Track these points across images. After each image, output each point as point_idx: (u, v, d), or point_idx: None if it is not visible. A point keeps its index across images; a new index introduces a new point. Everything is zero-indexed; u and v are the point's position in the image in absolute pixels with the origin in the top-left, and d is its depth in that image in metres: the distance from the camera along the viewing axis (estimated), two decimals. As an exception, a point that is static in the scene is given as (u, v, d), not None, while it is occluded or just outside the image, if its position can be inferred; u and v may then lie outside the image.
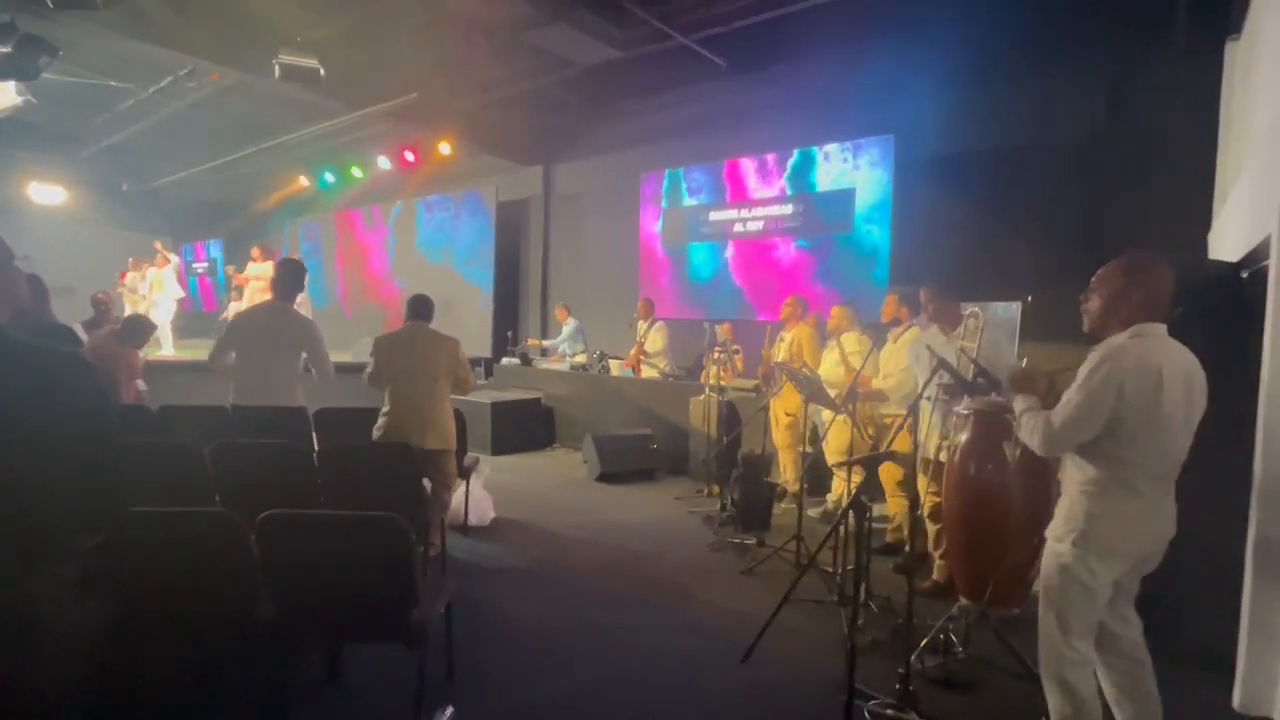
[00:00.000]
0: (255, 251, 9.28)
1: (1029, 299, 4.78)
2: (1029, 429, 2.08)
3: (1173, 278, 2.00)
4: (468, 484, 4.45)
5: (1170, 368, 1.93)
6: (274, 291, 4.00)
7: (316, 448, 3.67)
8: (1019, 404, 2.17)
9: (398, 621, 2.16)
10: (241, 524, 2.08)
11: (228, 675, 2.22)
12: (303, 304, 8.83)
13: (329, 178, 10.94)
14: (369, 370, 3.70)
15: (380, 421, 3.65)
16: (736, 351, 5.96)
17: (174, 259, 9.95)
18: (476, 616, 3.18)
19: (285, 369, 3.85)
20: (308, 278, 4.17)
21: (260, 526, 2.10)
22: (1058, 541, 2.05)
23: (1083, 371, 1.98)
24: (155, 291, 9.59)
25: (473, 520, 4.51)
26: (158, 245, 9.90)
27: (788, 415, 5.07)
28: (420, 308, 3.78)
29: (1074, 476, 2.06)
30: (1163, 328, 1.99)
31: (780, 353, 5.10)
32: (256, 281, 8.91)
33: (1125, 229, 4.90)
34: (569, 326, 8.21)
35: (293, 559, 2.16)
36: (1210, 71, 4.29)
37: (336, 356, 4.01)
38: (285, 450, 3.16)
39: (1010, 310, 5.01)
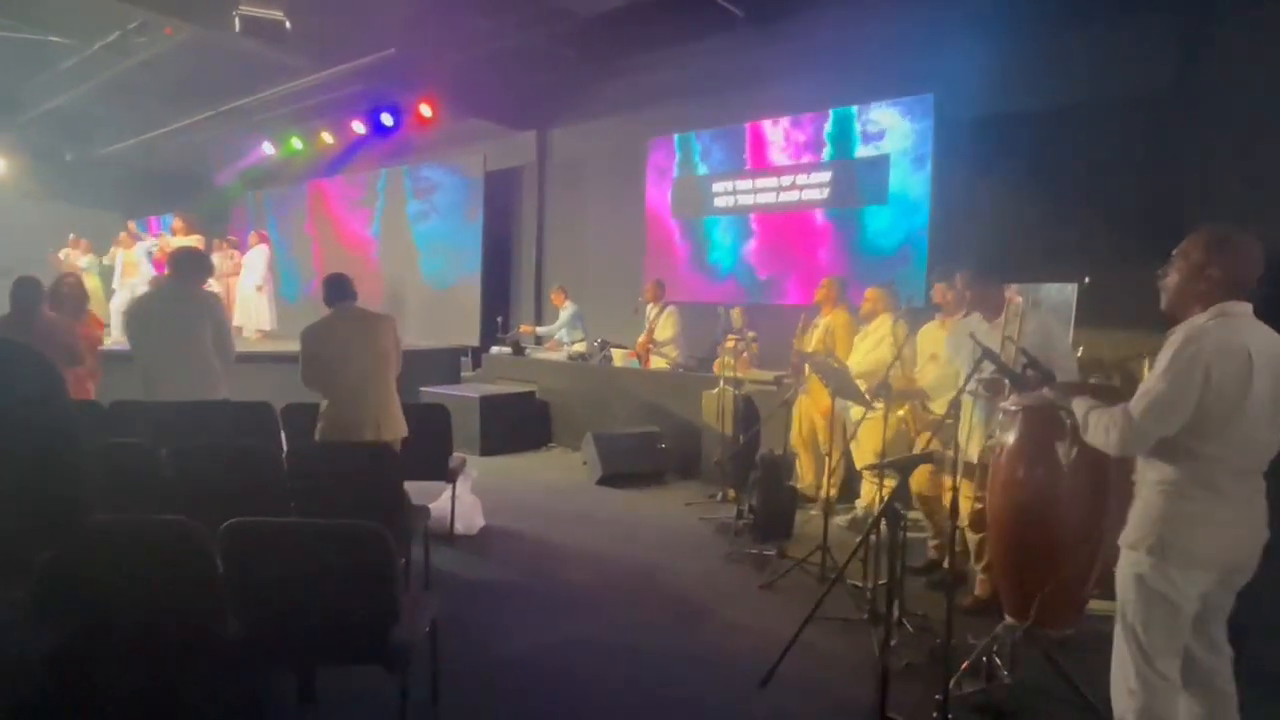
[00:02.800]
0: (177, 223, 9.32)
1: (1086, 280, 4.75)
2: (1100, 428, 2.05)
3: (1260, 254, 1.99)
4: (454, 488, 4.47)
5: (1259, 351, 1.93)
6: (172, 274, 4.11)
7: (285, 448, 3.70)
8: (1079, 407, 2.16)
9: (377, 641, 2.18)
10: (203, 533, 2.10)
11: (190, 700, 2.25)
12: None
13: (297, 144, 10.94)
14: (301, 369, 3.68)
15: (320, 421, 3.66)
16: (754, 339, 5.97)
17: (147, 239, 10.15)
18: (464, 635, 3.20)
19: (200, 355, 3.91)
20: (210, 273, 4.33)
21: (224, 536, 2.12)
22: (1132, 549, 2.03)
23: (1164, 356, 1.97)
24: (129, 276, 9.71)
25: (460, 528, 4.53)
26: (131, 225, 10.08)
27: (823, 418, 5.04)
28: (341, 288, 3.75)
29: (1148, 476, 2.05)
30: (1248, 307, 1.99)
31: (813, 341, 5.09)
32: None
33: (1194, 200, 4.86)
34: (567, 311, 8.22)
35: (261, 572, 2.19)
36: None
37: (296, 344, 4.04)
38: (251, 451, 3.19)
39: (1065, 292, 4.98)
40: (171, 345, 3.91)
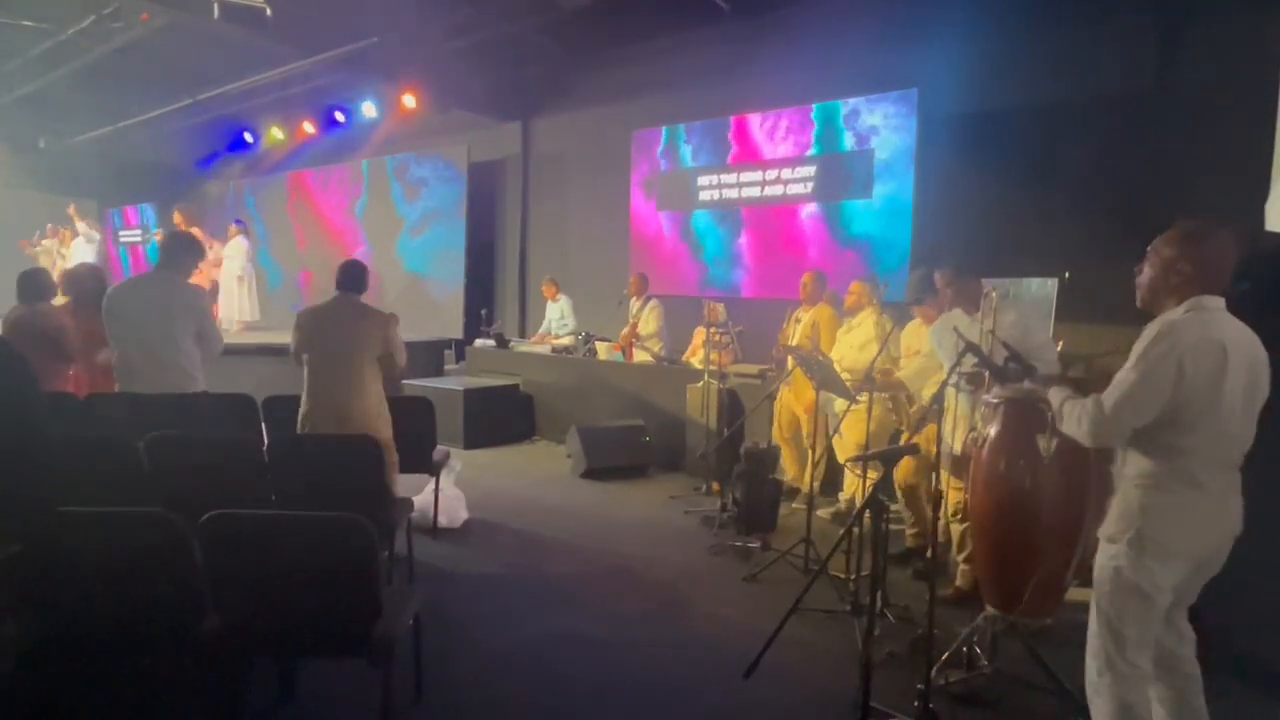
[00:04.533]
0: (177, 217, 9.24)
1: (1066, 275, 4.80)
2: (1073, 418, 2.09)
3: (1232, 248, 2.02)
4: (437, 481, 4.45)
5: (1233, 344, 1.96)
6: (163, 259, 4.00)
7: (266, 440, 3.66)
8: (1055, 396, 2.20)
9: (359, 635, 2.17)
10: (182, 526, 2.08)
11: (168, 696, 2.23)
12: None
13: (278, 134, 10.81)
14: (291, 349, 3.66)
15: (301, 409, 3.63)
16: (739, 332, 5.97)
17: (80, 226, 10.02)
18: (447, 629, 3.19)
19: (175, 348, 3.83)
20: (201, 258, 4.24)
21: (203, 529, 2.10)
22: (1111, 542, 2.07)
23: (1137, 348, 2.00)
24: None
25: (443, 522, 4.51)
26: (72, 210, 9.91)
27: (806, 413, 5.06)
28: (349, 277, 3.67)
29: (1127, 470, 2.09)
30: (1221, 301, 2.02)
31: (796, 335, 5.10)
32: None
33: (1173, 196, 4.92)
34: (565, 303, 8.17)
35: (240, 565, 2.16)
36: (1272, 19, 4.29)
37: (283, 337, 4.00)
38: (231, 443, 3.15)
39: (1046, 287, 5.03)
40: (144, 337, 3.81)
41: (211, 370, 4.08)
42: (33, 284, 4.40)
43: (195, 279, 4.21)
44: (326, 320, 3.63)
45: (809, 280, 5.20)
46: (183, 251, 4.04)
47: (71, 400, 3.87)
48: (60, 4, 7.38)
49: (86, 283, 4.67)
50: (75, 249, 9.95)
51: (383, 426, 3.66)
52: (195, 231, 9.03)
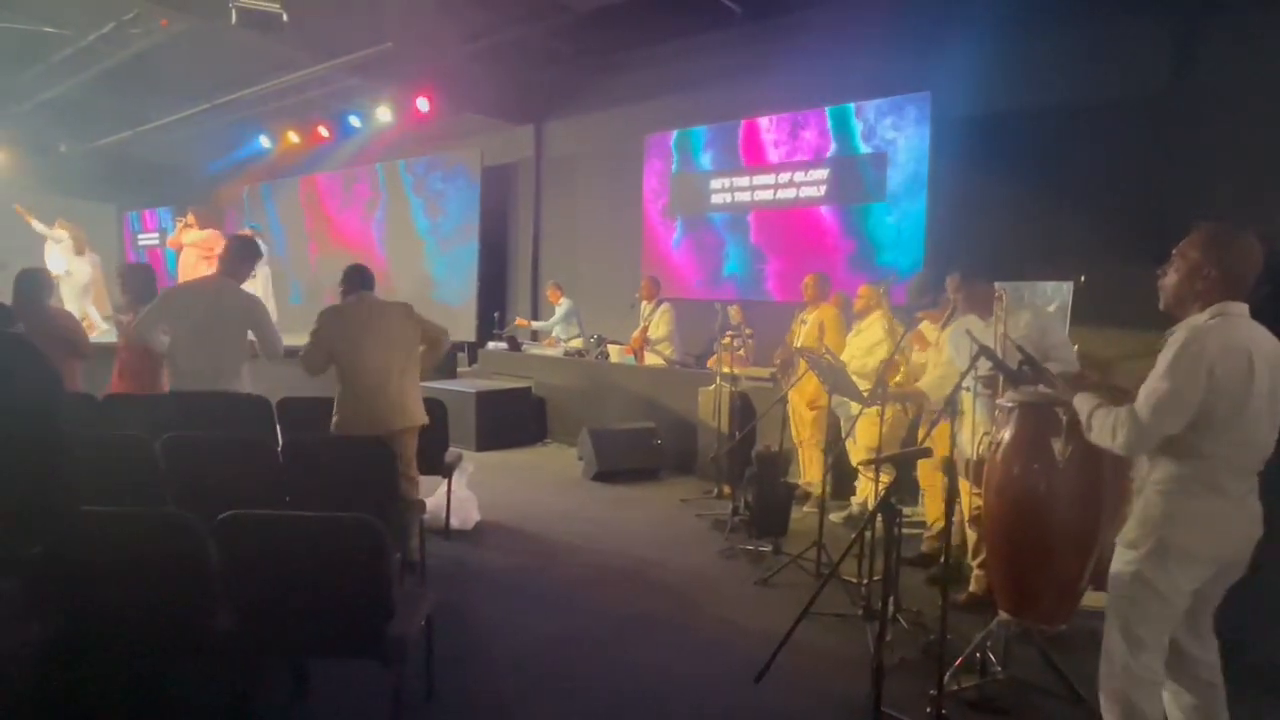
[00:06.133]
0: (190, 217, 9.34)
1: (1082, 279, 4.76)
2: (1106, 429, 2.05)
3: (1259, 253, 2.00)
4: (449, 483, 4.47)
5: (1258, 350, 1.94)
6: (221, 267, 4.09)
7: (280, 441, 3.69)
8: (1082, 404, 2.16)
9: (371, 635, 2.18)
10: (197, 526, 2.10)
11: (182, 694, 2.24)
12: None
13: (293, 138, 10.89)
14: (305, 348, 3.66)
15: (338, 412, 3.66)
16: (750, 335, 5.96)
17: (36, 226, 9.99)
18: (459, 630, 3.20)
19: (231, 351, 3.91)
20: (262, 259, 4.26)
21: (218, 529, 2.11)
22: (1130, 547, 2.05)
23: (1165, 356, 1.97)
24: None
25: (455, 523, 4.53)
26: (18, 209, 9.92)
27: (810, 409, 5.07)
28: (364, 278, 3.80)
29: (1150, 475, 2.06)
30: (1244, 308, 2.00)
31: (800, 336, 5.10)
32: (192, 249, 8.98)
33: (1189, 200, 4.87)
34: (562, 307, 8.21)
35: (254, 565, 2.18)
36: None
37: (300, 340, 4.02)
38: (246, 444, 3.17)
39: (1061, 291, 4.99)
40: (198, 338, 3.88)
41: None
42: (33, 284, 4.37)
43: (184, 271, 4.24)
44: (358, 320, 3.68)
45: (810, 282, 5.22)
46: (237, 256, 4.12)
47: (89, 400, 3.91)
48: (81, 10, 7.47)
49: (136, 285, 4.59)
50: (49, 253, 9.78)
51: (419, 412, 3.80)
52: (211, 232, 9.16)
